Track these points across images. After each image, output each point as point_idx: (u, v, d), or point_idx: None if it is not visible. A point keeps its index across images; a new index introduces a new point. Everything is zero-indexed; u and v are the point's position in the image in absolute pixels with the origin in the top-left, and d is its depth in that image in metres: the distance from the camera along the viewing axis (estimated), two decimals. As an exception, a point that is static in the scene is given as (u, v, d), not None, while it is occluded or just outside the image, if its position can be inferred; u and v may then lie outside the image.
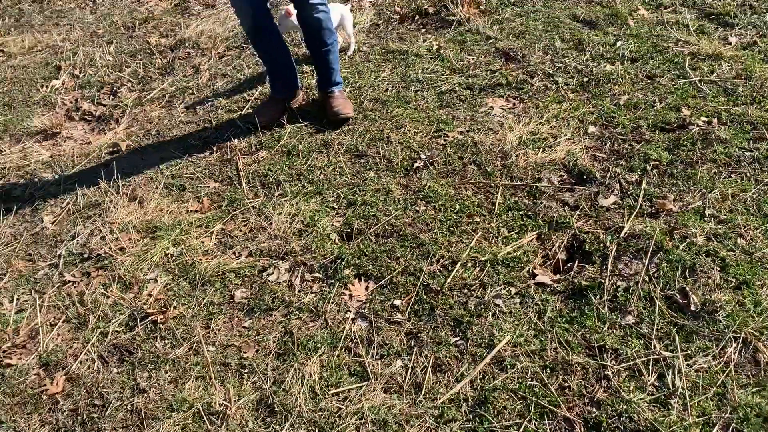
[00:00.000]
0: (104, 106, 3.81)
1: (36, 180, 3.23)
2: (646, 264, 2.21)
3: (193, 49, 4.28)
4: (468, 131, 3.02)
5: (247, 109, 3.50)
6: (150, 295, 2.45)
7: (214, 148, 3.23)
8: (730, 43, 3.32)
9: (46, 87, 4.13)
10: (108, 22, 4.94)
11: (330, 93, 3.27)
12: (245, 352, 2.18)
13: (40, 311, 2.46)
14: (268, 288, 2.40)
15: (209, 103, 3.63)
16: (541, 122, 2.98)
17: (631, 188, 2.55)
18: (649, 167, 2.62)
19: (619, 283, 2.17)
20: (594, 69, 3.29)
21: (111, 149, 3.39)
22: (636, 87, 3.11)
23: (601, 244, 2.33)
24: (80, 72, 4.23)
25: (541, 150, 2.82)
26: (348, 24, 3.69)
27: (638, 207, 2.45)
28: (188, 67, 4.08)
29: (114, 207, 2.92)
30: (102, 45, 4.55)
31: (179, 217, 2.80)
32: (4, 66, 4.49)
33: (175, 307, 2.37)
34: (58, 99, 3.95)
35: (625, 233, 2.34)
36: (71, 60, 4.38)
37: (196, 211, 2.83)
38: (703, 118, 2.82)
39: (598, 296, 2.14)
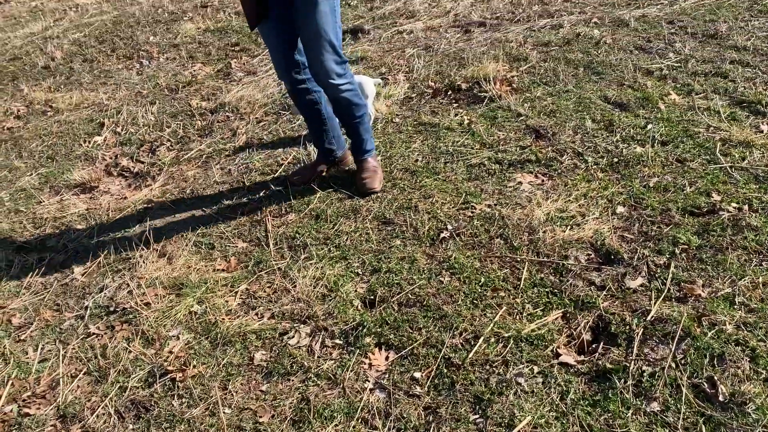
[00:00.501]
0: (143, 163, 3.94)
1: (71, 231, 3.31)
2: (672, 350, 2.17)
3: (232, 113, 4.43)
4: (495, 205, 3.04)
5: (280, 172, 3.58)
6: (171, 352, 2.46)
7: (245, 209, 3.30)
8: (762, 131, 3.33)
9: (89, 142, 4.29)
10: (152, 84, 5.17)
11: (362, 161, 3.34)
12: (261, 417, 2.15)
13: (62, 362, 2.48)
14: (288, 352, 2.39)
15: (244, 165, 3.73)
16: (569, 200, 3.00)
17: (659, 271, 2.52)
18: (677, 251, 2.60)
19: (644, 367, 2.12)
20: (624, 150, 3.32)
21: (145, 205, 3.48)
22: (666, 170, 3.12)
23: (627, 327, 2.29)
24: (122, 129, 4.40)
25: (568, 227, 2.82)
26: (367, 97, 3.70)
27: (666, 291, 2.42)
28: (226, 129, 4.22)
29: (143, 262, 2.97)
30: (145, 105, 4.74)
31: (206, 275, 2.84)
32: (51, 120, 4.69)
33: (194, 366, 2.37)
34: (98, 154, 4.10)
35: (652, 317, 2.30)
36: (115, 118, 4.56)
37: (223, 270, 2.87)
38: (734, 205, 2.81)
39: (622, 380, 2.09)
